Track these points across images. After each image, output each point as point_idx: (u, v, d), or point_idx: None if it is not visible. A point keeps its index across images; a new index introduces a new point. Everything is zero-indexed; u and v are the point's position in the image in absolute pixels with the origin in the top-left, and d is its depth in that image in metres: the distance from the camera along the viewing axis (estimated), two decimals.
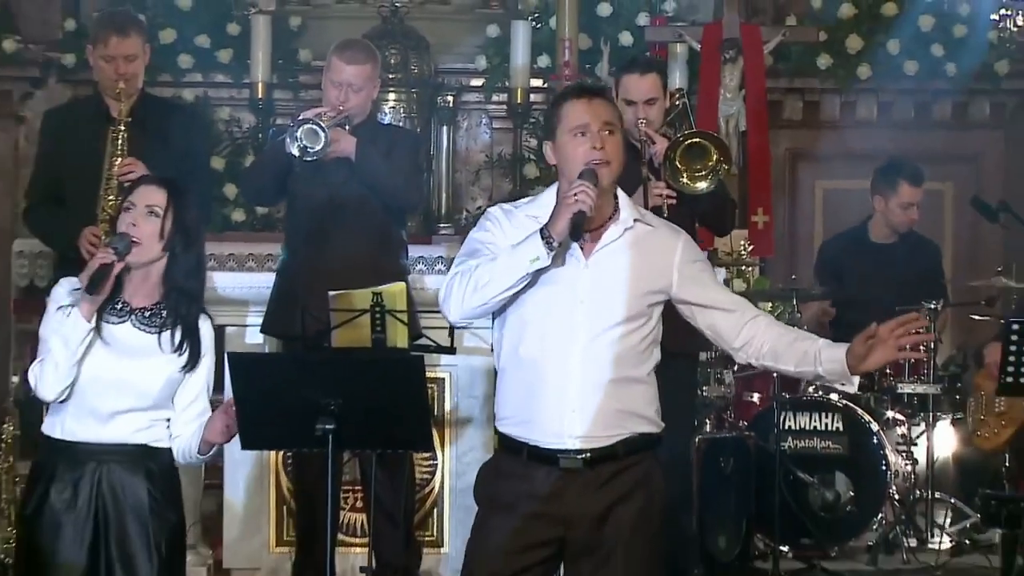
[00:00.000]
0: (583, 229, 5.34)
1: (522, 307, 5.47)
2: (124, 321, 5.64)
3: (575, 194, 5.30)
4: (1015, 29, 11.90)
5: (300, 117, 7.63)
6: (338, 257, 7.75)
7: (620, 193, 5.59)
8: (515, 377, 5.52)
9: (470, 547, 5.63)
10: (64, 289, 5.63)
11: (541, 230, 5.32)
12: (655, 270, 5.54)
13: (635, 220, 5.55)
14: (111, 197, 7.77)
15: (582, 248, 5.49)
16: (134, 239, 5.58)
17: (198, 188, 8.06)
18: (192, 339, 5.69)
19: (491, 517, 5.56)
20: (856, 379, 5.60)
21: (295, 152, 7.54)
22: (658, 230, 5.64)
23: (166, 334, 5.64)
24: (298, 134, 7.55)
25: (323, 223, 7.82)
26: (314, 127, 7.58)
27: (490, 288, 5.38)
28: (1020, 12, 11.94)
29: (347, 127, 7.79)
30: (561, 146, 5.46)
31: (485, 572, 5.51)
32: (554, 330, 5.44)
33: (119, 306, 5.64)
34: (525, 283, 5.38)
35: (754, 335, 5.59)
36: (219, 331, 8.36)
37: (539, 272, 5.36)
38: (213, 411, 5.70)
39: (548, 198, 5.48)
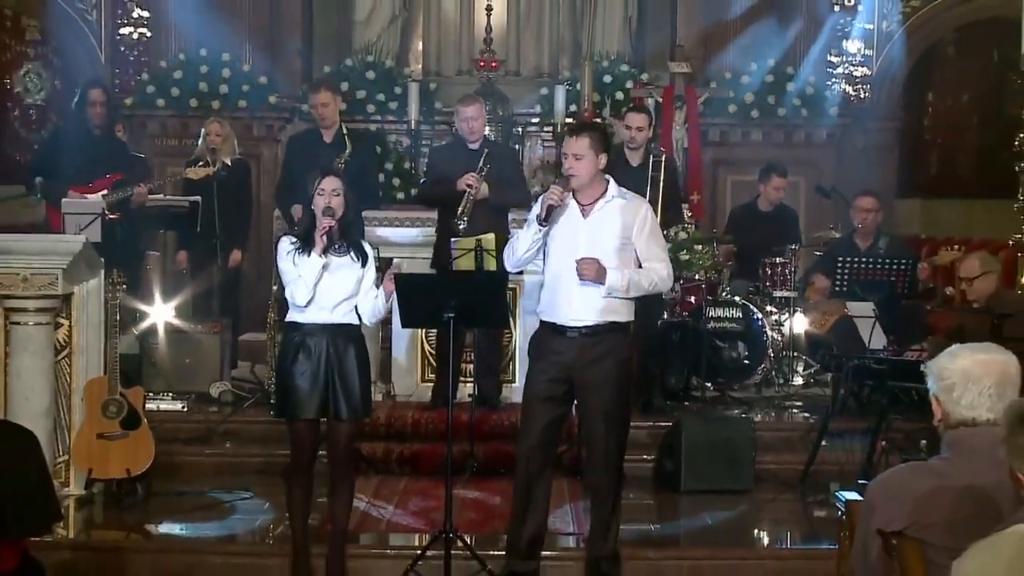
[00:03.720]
0: (552, 212, 5.33)
1: (551, 250, 5.42)
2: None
3: (550, 193, 5.29)
4: (841, 90, 11.70)
5: (462, 228, 7.41)
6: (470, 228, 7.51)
7: (611, 179, 5.48)
8: (546, 288, 5.50)
9: (526, 381, 5.62)
10: (285, 244, 5.60)
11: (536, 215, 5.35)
12: (627, 224, 5.40)
13: (614, 196, 5.44)
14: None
15: (583, 213, 5.40)
16: (335, 209, 5.53)
17: (372, 178, 8.07)
18: (362, 252, 5.62)
19: (534, 364, 5.55)
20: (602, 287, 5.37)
21: (463, 225, 7.38)
22: (631, 201, 5.50)
23: (349, 255, 5.58)
24: (461, 225, 7.41)
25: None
26: (460, 223, 7.44)
27: (519, 252, 5.42)
28: (843, 80, 11.75)
29: (479, 143, 7.72)
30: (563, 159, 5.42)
31: (532, 392, 5.50)
32: (565, 262, 5.36)
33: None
34: (537, 245, 5.37)
35: None
36: (388, 261, 8.35)
37: (546, 235, 5.37)
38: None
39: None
